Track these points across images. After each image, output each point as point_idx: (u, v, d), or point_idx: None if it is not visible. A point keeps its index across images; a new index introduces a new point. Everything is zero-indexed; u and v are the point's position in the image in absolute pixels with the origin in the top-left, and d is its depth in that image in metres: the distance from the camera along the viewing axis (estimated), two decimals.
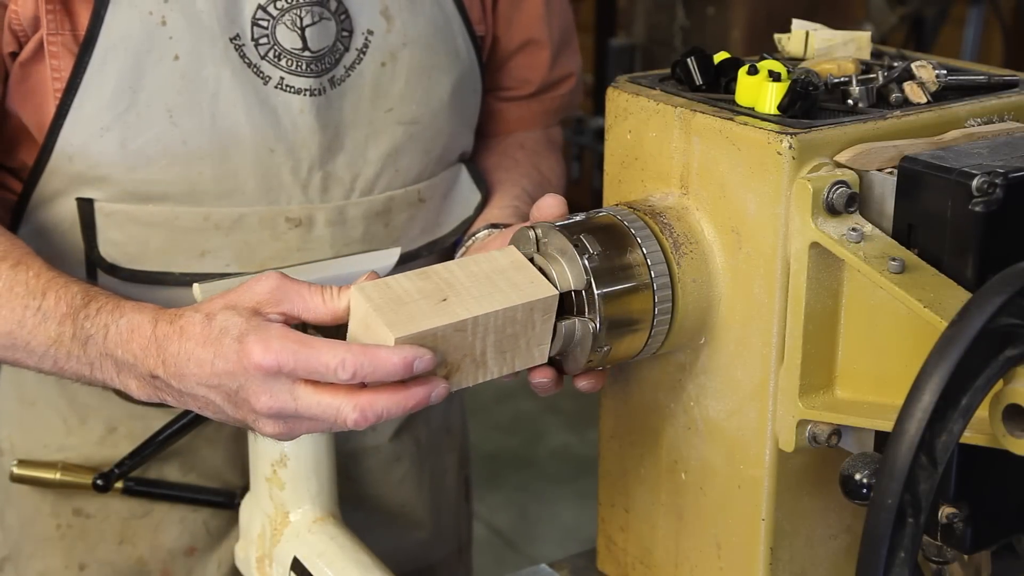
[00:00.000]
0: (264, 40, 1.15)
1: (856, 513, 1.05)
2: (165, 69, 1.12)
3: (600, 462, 1.17)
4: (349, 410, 0.89)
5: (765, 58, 1.07)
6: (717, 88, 1.03)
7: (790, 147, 0.92)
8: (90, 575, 1.29)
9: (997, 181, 0.84)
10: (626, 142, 1.06)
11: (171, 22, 1.12)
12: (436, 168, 1.28)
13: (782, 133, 0.92)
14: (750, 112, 0.97)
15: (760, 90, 0.97)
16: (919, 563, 0.88)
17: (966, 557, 0.95)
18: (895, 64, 1.06)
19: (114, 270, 1.18)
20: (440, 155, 1.28)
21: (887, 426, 0.81)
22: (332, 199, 1.21)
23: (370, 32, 1.19)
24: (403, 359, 0.87)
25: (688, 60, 1.04)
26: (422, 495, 1.43)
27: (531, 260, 0.99)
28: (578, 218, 0.99)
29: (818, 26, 1.13)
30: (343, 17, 1.18)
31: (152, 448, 1.25)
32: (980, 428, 0.78)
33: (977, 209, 0.85)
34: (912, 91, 1.01)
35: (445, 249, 1.31)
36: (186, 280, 1.17)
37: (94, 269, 1.19)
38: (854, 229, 0.91)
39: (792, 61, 1.09)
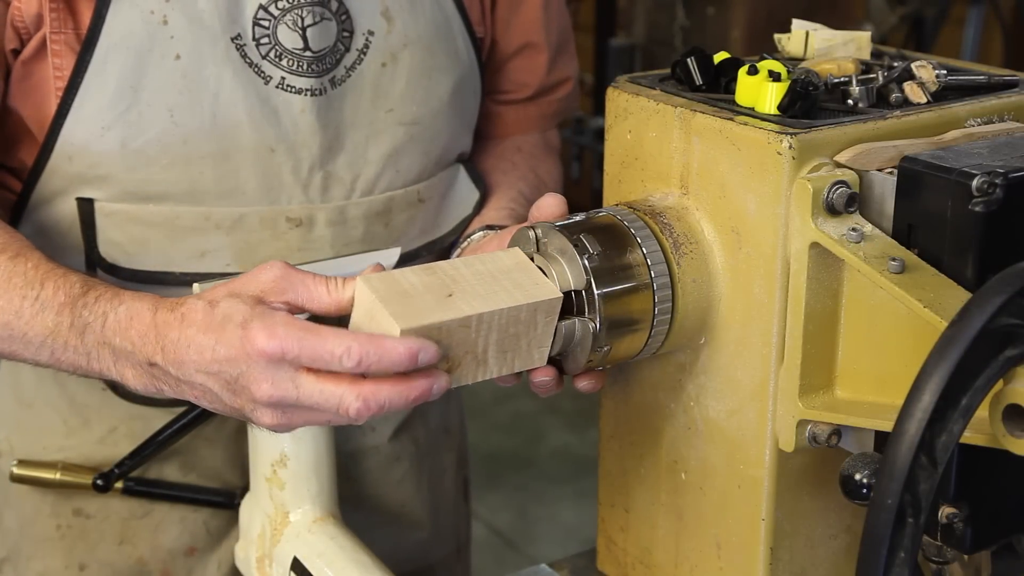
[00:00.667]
0: (265, 40, 1.15)
1: (856, 513, 1.05)
2: (166, 68, 1.12)
3: (600, 462, 1.17)
4: (352, 399, 0.89)
5: (765, 58, 1.07)
6: (717, 88, 1.03)
7: (790, 147, 0.92)
8: (90, 575, 1.29)
9: (997, 181, 0.84)
10: (626, 142, 1.06)
11: (172, 21, 1.12)
12: (435, 168, 1.28)
13: (782, 133, 0.92)
14: (750, 112, 0.97)
15: (760, 90, 0.97)
16: (919, 563, 0.88)
17: (966, 557, 0.95)
18: (895, 64, 1.06)
19: (114, 270, 1.18)
20: (440, 156, 1.28)
21: (887, 426, 0.81)
22: (333, 199, 1.21)
23: (371, 33, 1.19)
24: (408, 349, 0.87)
25: (688, 60, 1.04)
26: (421, 495, 1.43)
27: (531, 260, 0.99)
28: (578, 218, 0.99)
29: (818, 26, 1.13)
30: (344, 17, 1.18)
31: (152, 448, 1.25)
32: (980, 428, 0.78)
33: (977, 209, 0.84)
34: (912, 91, 1.01)
35: (444, 249, 1.31)
36: (186, 280, 1.17)
37: (94, 269, 1.19)
38: (854, 229, 0.91)
39: (792, 61, 1.09)
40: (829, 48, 1.11)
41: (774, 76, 0.97)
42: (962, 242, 0.86)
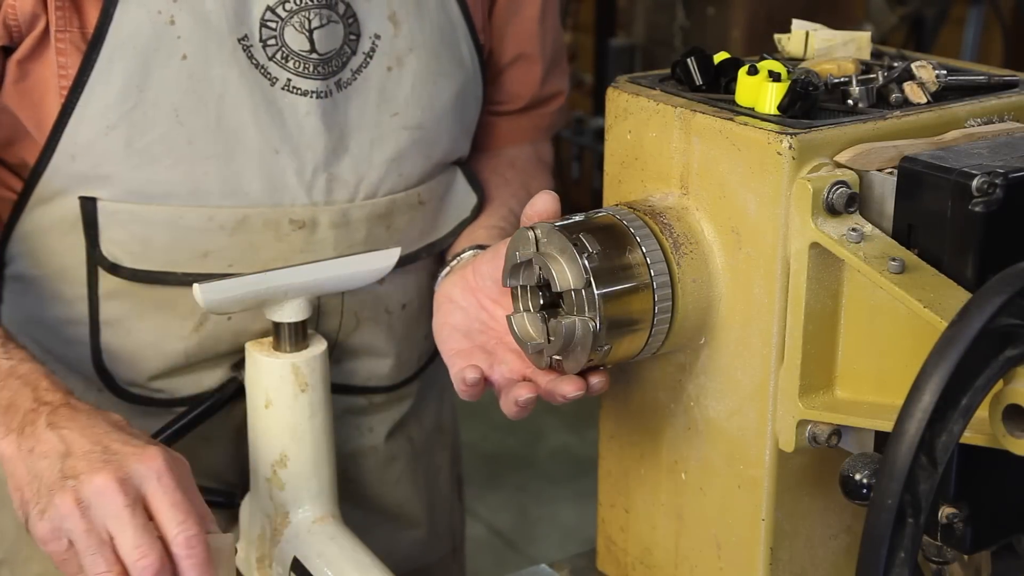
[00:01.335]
0: (272, 41, 1.15)
1: (856, 513, 1.05)
2: (173, 68, 1.12)
3: (600, 462, 1.17)
4: None
5: (765, 58, 1.07)
6: (717, 88, 1.03)
7: (790, 147, 0.92)
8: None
9: (997, 181, 0.84)
10: (626, 142, 1.06)
11: (179, 22, 1.12)
12: (435, 171, 1.28)
13: (782, 133, 0.92)
14: (750, 112, 0.97)
15: (760, 90, 0.97)
16: (919, 563, 0.88)
17: (966, 557, 0.95)
18: (895, 64, 1.06)
19: (116, 269, 1.18)
20: (440, 159, 1.28)
21: (887, 426, 0.81)
22: (336, 201, 1.21)
23: (377, 36, 1.19)
24: None
25: (688, 60, 1.04)
26: (418, 494, 1.43)
27: (530, 260, 0.99)
28: (578, 218, 0.99)
29: (818, 26, 1.13)
30: (351, 20, 1.18)
31: None
32: (980, 428, 0.78)
33: (977, 209, 0.84)
34: (912, 91, 1.01)
35: (443, 251, 1.31)
36: (188, 280, 1.17)
37: (95, 268, 1.19)
38: (854, 229, 0.91)
39: (792, 61, 1.09)
40: (829, 48, 1.11)
41: (774, 76, 0.97)
42: (962, 242, 0.86)
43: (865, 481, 0.83)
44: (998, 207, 0.84)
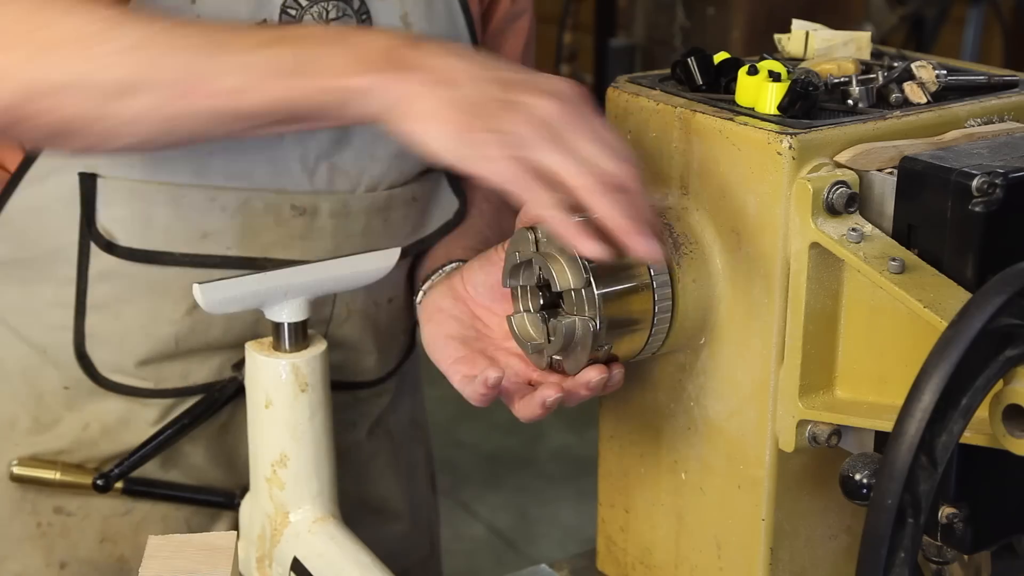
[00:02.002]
0: None
1: (856, 513, 1.05)
2: None
3: (600, 462, 1.17)
4: None
5: (765, 58, 1.07)
6: (717, 88, 1.03)
7: (790, 147, 0.92)
8: (70, 573, 1.28)
9: (997, 181, 0.84)
10: (626, 142, 1.06)
11: (201, 2, 1.12)
12: (426, 171, 1.29)
13: (782, 133, 0.92)
14: (750, 112, 0.97)
15: (760, 90, 0.97)
16: (919, 563, 0.88)
17: (966, 557, 0.96)
18: (895, 64, 1.06)
19: (111, 247, 1.17)
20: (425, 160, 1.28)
21: (887, 426, 0.81)
22: (337, 191, 1.21)
23: None
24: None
25: (688, 60, 1.04)
26: (400, 487, 1.45)
27: (529, 260, 0.99)
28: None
29: (818, 26, 1.13)
30: (364, 17, 1.18)
31: (152, 448, 1.25)
32: (980, 428, 0.78)
33: (977, 209, 0.85)
34: (912, 91, 1.01)
35: (425, 250, 1.30)
36: (185, 260, 1.17)
37: (87, 248, 1.18)
38: (854, 229, 0.91)
39: (792, 61, 1.09)
40: (829, 48, 1.11)
41: (774, 76, 0.97)
42: (962, 242, 0.86)
43: (865, 481, 0.83)
44: (998, 207, 0.84)
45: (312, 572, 1.15)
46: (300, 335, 1.15)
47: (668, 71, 1.07)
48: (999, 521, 0.90)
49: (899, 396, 0.72)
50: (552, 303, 1.01)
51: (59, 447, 1.25)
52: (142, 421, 1.25)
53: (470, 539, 3.42)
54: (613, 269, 0.96)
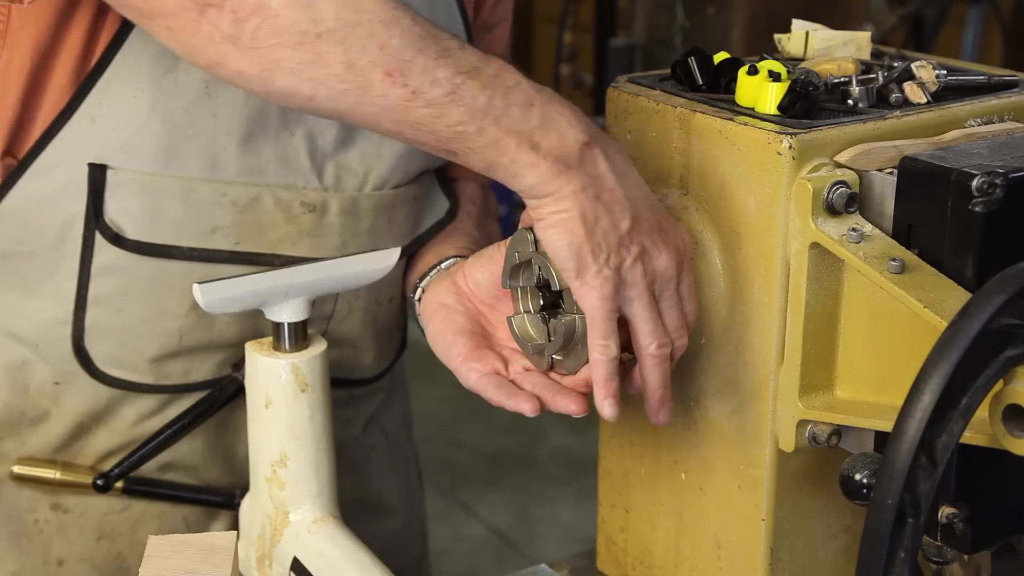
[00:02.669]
0: None
1: (856, 513, 1.05)
2: None
3: (600, 462, 1.17)
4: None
5: (765, 58, 1.07)
6: (717, 88, 1.03)
7: (790, 147, 0.92)
8: (68, 571, 1.28)
9: (997, 181, 0.84)
10: (626, 142, 1.06)
11: None
12: (424, 171, 1.29)
13: (782, 133, 0.92)
14: (750, 112, 0.97)
15: (760, 90, 0.97)
16: (919, 563, 0.88)
17: (966, 557, 0.95)
18: (895, 64, 1.06)
19: (118, 240, 1.17)
20: (434, 160, 1.28)
21: (887, 426, 0.81)
22: (345, 189, 1.21)
23: None
24: None
25: (688, 60, 1.04)
26: (394, 483, 1.45)
27: (529, 261, 0.99)
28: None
29: (818, 26, 1.13)
30: None
31: (152, 448, 1.25)
32: (980, 428, 0.78)
33: (977, 209, 0.85)
34: (912, 91, 1.01)
35: (417, 249, 1.30)
36: (193, 255, 1.17)
37: (92, 241, 1.17)
38: (854, 229, 0.91)
39: (792, 61, 1.09)
40: (829, 48, 1.11)
41: (774, 76, 0.97)
42: (962, 242, 0.86)
43: (865, 481, 0.83)
44: (998, 207, 0.84)
45: (312, 572, 1.15)
46: (300, 335, 1.15)
47: (668, 71, 1.07)
48: (999, 521, 0.90)
49: (899, 396, 0.72)
50: (552, 303, 1.01)
51: (47, 442, 1.25)
52: (136, 416, 1.25)
53: (470, 539, 3.42)
54: None
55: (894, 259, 0.88)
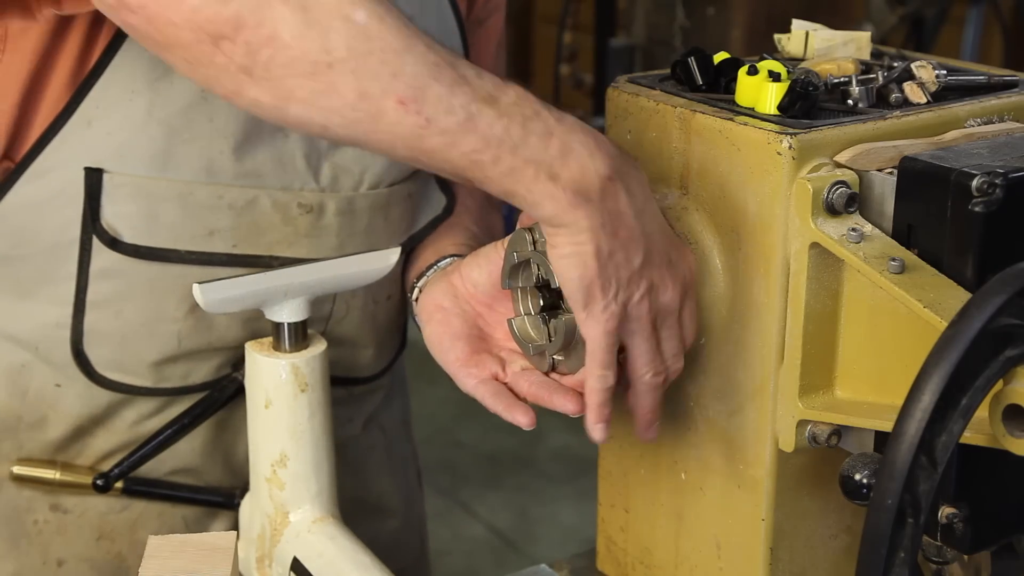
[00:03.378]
0: None
1: (856, 513, 1.05)
2: None
3: (600, 462, 1.17)
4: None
5: (765, 58, 1.07)
6: (717, 88, 1.03)
7: (790, 147, 0.92)
8: (68, 571, 1.28)
9: (997, 181, 0.84)
10: (626, 142, 1.06)
11: None
12: (419, 169, 1.29)
13: (782, 133, 0.92)
14: (750, 112, 0.97)
15: (760, 90, 0.97)
16: (919, 563, 0.88)
17: (966, 557, 0.95)
18: (895, 64, 1.06)
19: (115, 244, 1.17)
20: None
21: (887, 426, 0.81)
22: (342, 189, 1.21)
23: None
24: None
25: (688, 60, 1.04)
26: (394, 483, 1.45)
27: (527, 260, 0.99)
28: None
29: (818, 26, 1.13)
30: None
31: (151, 448, 1.25)
32: (980, 428, 0.78)
33: (977, 209, 0.85)
34: (912, 91, 1.01)
35: (415, 246, 1.30)
36: (191, 258, 1.17)
37: (90, 244, 1.17)
38: (854, 229, 0.91)
39: (792, 61, 1.09)
40: (829, 48, 1.11)
41: (774, 76, 0.97)
42: (962, 242, 0.86)
43: (865, 481, 0.83)
44: (998, 207, 0.84)
45: (312, 572, 1.15)
46: (300, 335, 1.15)
47: (668, 71, 1.07)
48: (999, 521, 0.90)
49: (899, 396, 0.72)
50: (552, 304, 1.01)
51: (46, 443, 1.25)
52: (136, 417, 1.25)
53: (470, 539, 3.42)
54: None
55: (894, 259, 0.88)
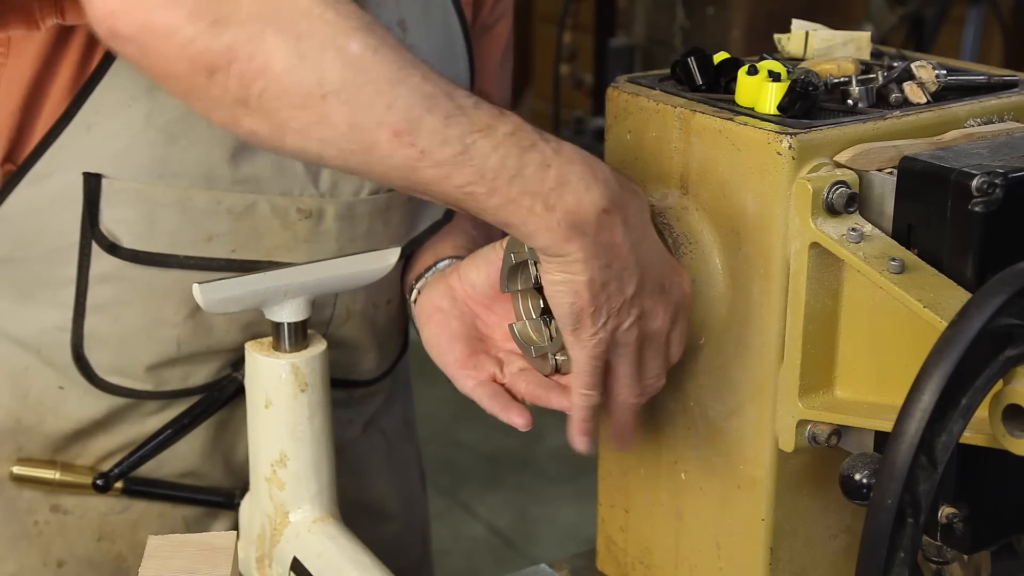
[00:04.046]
0: None
1: (856, 513, 1.05)
2: None
3: (600, 462, 1.17)
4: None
5: (765, 58, 1.07)
6: (717, 88, 1.03)
7: (790, 147, 0.92)
8: (68, 572, 1.28)
9: (997, 181, 0.84)
10: (626, 142, 1.06)
11: None
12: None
13: (782, 133, 0.92)
14: (750, 112, 0.97)
15: (760, 90, 0.97)
16: (919, 563, 0.88)
17: (966, 557, 0.95)
18: (895, 64, 1.06)
19: (114, 249, 1.17)
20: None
21: (887, 426, 0.81)
22: (342, 194, 1.21)
23: None
24: None
25: (688, 60, 1.04)
26: (394, 486, 1.45)
27: (524, 262, 0.99)
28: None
29: (818, 26, 1.13)
30: None
31: (151, 448, 1.25)
32: (980, 428, 0.78)
33: (977, 209, 0.85)
34: (912, 91, 1.01)
35: (415, 250, 1.30)
36: (189, 263, 1.17)
37: (89, 249, 1.17)
38: (854, 229, 0.91)
39: (792, 61, 1.09)
40: (829, 48, 1.11)
41: (774, 76, 0.97)
42: (962, 242, 0.86)
43: (865, 481, 0.83)
44: (998, 207, 0.84)
45: (312, 572, 1.15)
46: (300, 335, 1.15)
47: (668, 71, 1.07)
48: (999, 521, 0.90)
49: (899, 396, 0.72)
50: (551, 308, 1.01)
51: (46, 445, 1.25)
52: (136, 417, 1.25)
53: (470, 539, 3.42)
54: None
55: (894, 259, 0.88)
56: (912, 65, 1.04)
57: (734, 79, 1.00)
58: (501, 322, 1.06)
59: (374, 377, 1.37)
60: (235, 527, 1.29)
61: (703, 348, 1.02)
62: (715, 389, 1.02)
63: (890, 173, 0.93)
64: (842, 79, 1.01)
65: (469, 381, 1.05)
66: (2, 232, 1.19)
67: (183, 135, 1.14)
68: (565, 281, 0.91)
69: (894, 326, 0.90)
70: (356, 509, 1.33)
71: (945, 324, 0.73)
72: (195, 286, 1.08)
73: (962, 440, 0.73)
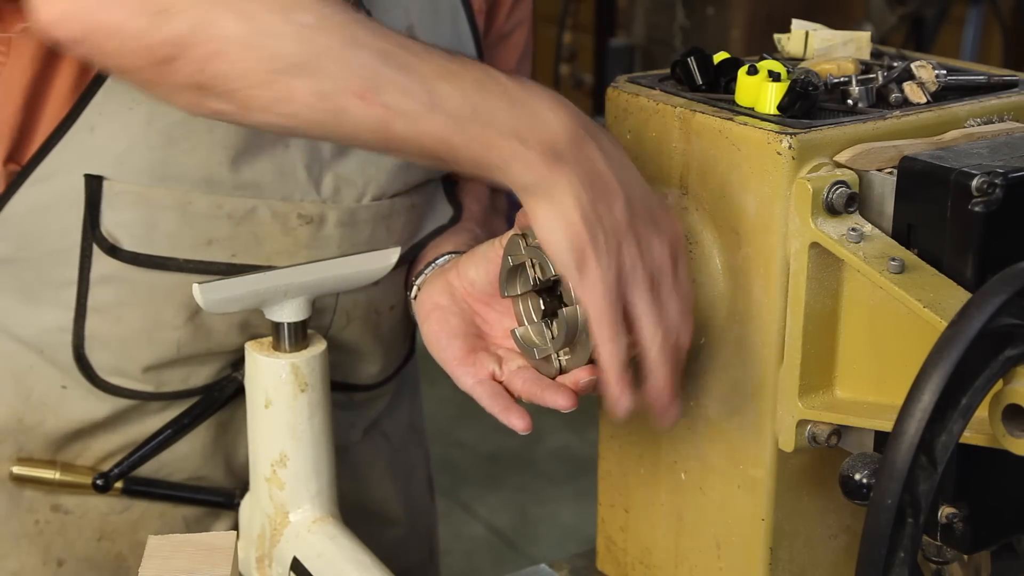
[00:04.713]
0: None
1: (856, 513, 1.05)
2: None
3: (600, 462, 1.17)
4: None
5: (765, 58, 1.07)
6: (717, 88, 1.03)
7: (790, 147, 0.92)
8: (68, 571, 1.28)
9: (997, 181, 0.84)
10: (626, 142, 1.06)
11: None
12: (426, 179, 1.29)
13: (782, 133, 0.92)
14: (750, 112, 0.97)
15: (760, 90, 0.97)
16: (919, 563, 0.88)
17: (966, 557, 0.96)
18: (895, 64, 1.06)
19: (114, 251, 1.17)
20: (434, 168, 1.28)
21: (887, 426, 0.81)
22: (343, 200, 1.21)
23: None
24: None
25: (688, 60, 1.04)
26: (397, 491, 1.44)
27: (523, 264, 0.99)
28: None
29: (818, 26, 1.13)
30: None
31: (151, 448, 1.25)
32: (980, 428, 0.78)
33: (977, 209, 0.85)
34: (912, 91, 1.01)
35: (417, 254, 1.30)
36: (190, 267, 1.17)
37: (90, 250, 1.17)
38: (854, 229, 0.91)
39: (792, 61, 1.09)
40: (829, 48, 1.11)
41: (774, 76, 0.97)
42: (962, 242, 0.86)
43: (865, 481, 0.83)
44: (998, 207, 0.84)
45: (312, 572, 1.15)
46: (300, 335, 1.15)
47: (668, 71, 1.07)
48: (999, 521, 0.90)
49: (899, 396, 0.72)
50: (552, 311, 1.01)
51: (46, 445, 1.25)
52: (136, 417, 1.25)
53: (470, 539, 3.42)
54: None
55: (894, 259, 0.88)
56: (912, 65, 1.04)
57: (734, 79, 1.00)
58: (500, 319, 1.06)
59: (376, 382, 1.37)
60: (235, 527, 1.29)
61: (703, 348, 1.02)
62: (715, 389, 1.02)
63: (890, 173, 0.93)
64: (842, 79, 1.01)
65: (469, 378, 1.05)
66: (6, 232, 1.19)
67: (184, 139, 1.14)
68: (557, 216, 0.90)
69: (894, 326, 0.90)
70: (357, 512, 1.33)
71: (945, 324, 0.73)
72: (195, 286, 1.08)
73: (962, 440, 0.73)
